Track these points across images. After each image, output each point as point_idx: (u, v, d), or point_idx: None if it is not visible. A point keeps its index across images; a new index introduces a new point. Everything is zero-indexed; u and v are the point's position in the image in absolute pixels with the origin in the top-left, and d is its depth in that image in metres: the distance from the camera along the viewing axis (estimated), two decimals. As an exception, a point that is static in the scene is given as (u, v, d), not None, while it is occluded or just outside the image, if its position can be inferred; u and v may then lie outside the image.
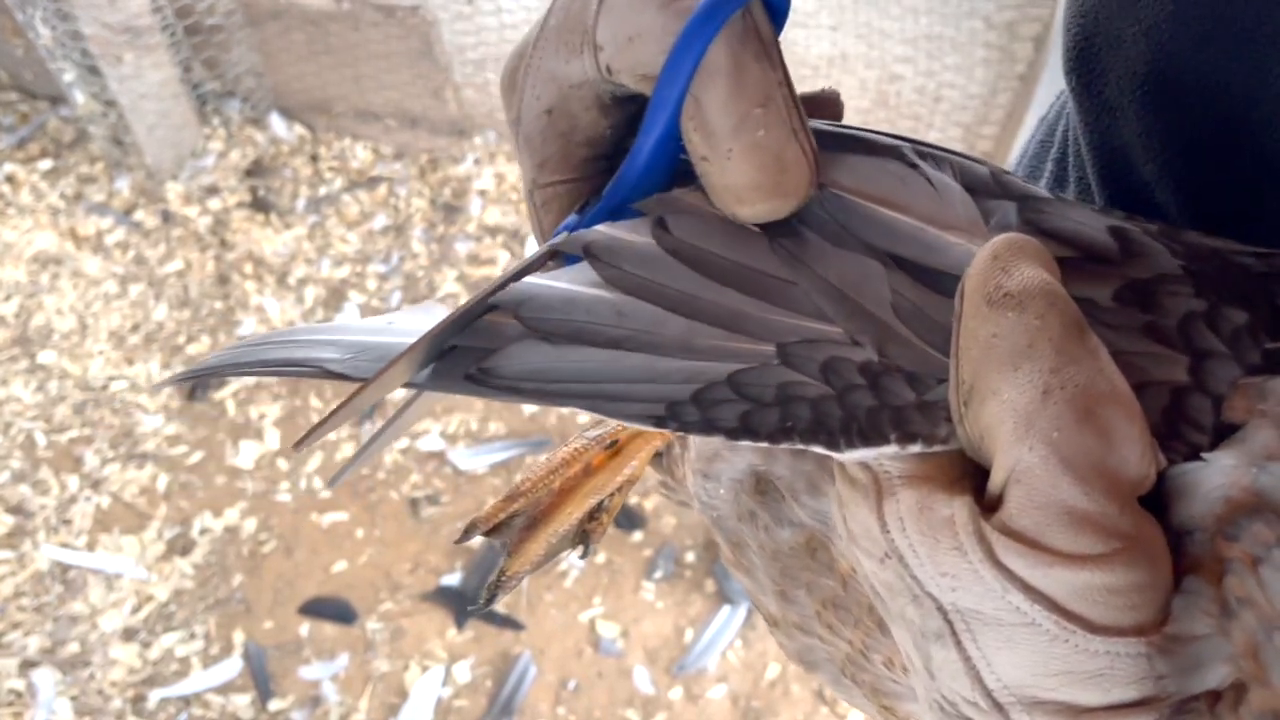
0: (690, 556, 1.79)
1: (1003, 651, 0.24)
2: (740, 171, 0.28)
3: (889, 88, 2.05)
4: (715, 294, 0.29)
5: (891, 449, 0.25)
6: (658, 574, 1.77)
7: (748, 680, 1.66)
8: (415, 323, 0.35)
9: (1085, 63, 0.37)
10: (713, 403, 0.27)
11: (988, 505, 0.24)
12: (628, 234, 0.31)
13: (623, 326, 0.29)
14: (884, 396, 0.26)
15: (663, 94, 0.29)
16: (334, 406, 0.33)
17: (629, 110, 0.33)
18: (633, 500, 1.87)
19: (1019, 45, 1.90)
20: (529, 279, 0.31)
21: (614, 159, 0.33)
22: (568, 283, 0.31)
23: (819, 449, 0.26)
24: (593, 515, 0.47)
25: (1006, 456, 0.23)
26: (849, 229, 0.29)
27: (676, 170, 0.32)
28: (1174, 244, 0.28)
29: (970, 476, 0.25)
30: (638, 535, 1.82)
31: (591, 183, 0.34)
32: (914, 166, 0.31)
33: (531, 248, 2.25)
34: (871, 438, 0.25)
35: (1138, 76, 0.35)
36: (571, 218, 0.33)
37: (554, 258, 0.32)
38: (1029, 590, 0.23)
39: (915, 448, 0.25)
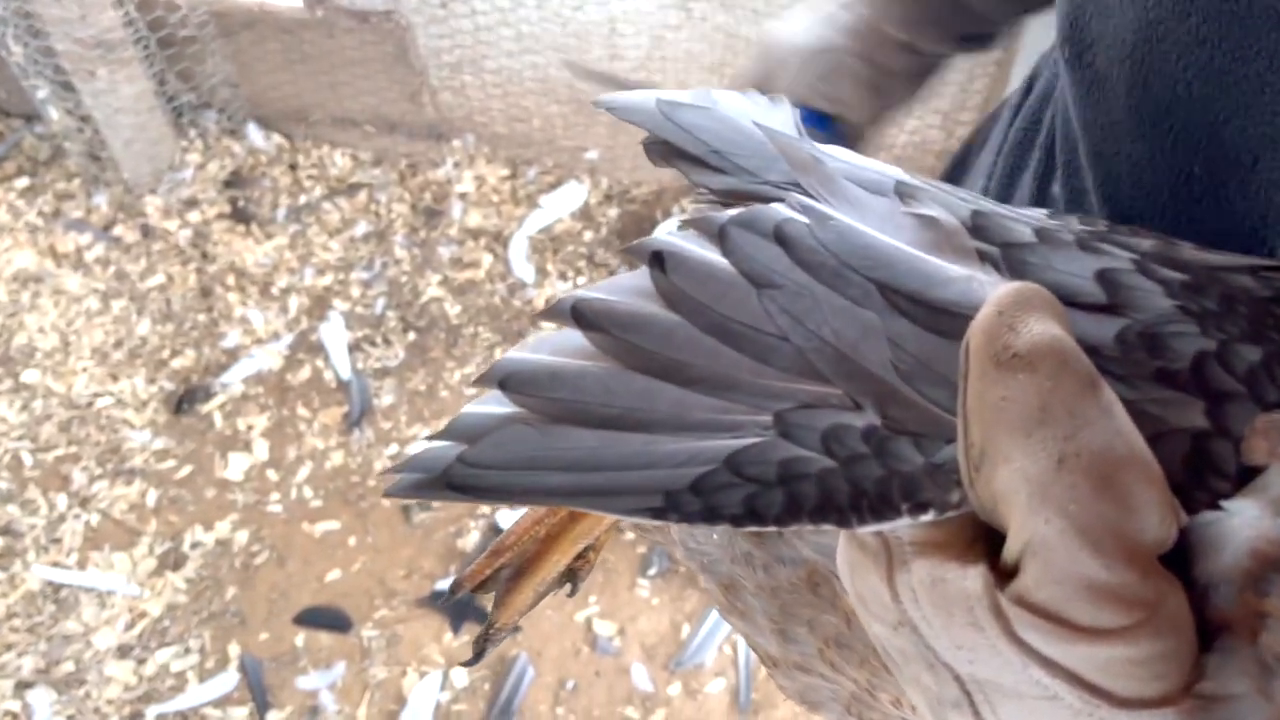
0: (684, 552, 1.80)
1: None
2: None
3: (865, 78, 2.05)
4: (706, 357, 0.28)
5: (904, 520, 0.24)
6: (652, 570, 1.77)
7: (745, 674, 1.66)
8: None
9: (1077, 31, 0.38)
10: (714, 489, 0.27)
11: (1004, 570, 0.23)
12: (621, 287, 0.30)
13: (612, 404, 0.28)
14: (890, 463, 0.25)
15: None
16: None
17: None
18: (624, 498, 1.86)
19: (993, 31, 1.91)
20: (510, 353, 0.31)
21: None
22: (550, 354, 0.30)
23: (829, 527, 0.25)
24: (580, 555, 0.46)
25: (1022, 528, 0.22)
26: (846, 262, 0.28)
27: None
28: (1169, 272, 0.27)
29: (984, 540, 0.24)
30: (630, 533, 1.82)
31: None
32: (905, 199, 0.30)
33: (515, 249, 2.19)
34: (882, 511, 0.25)
35: (1126, 45, 0.35)
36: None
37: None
38: (1050, 665, 0.22)
39: (927, 517, 0.24)
